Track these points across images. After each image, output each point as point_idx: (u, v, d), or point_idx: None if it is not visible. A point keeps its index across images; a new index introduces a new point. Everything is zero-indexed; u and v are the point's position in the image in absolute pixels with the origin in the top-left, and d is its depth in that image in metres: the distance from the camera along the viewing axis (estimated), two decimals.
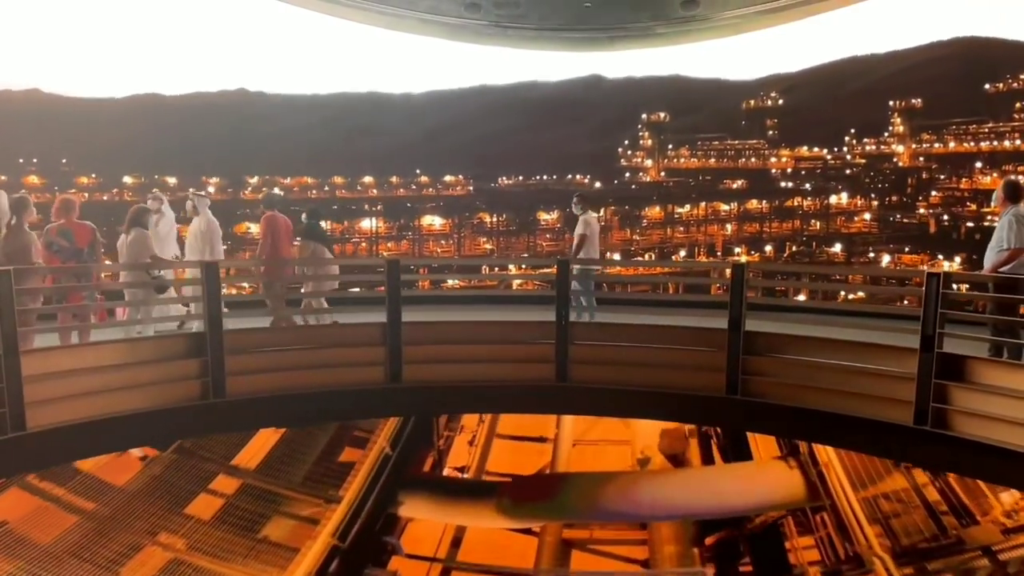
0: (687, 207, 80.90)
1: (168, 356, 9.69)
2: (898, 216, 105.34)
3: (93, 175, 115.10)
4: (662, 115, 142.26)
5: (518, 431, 24.96)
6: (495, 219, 72.65)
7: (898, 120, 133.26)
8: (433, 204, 74.38)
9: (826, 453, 20.18)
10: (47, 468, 14.06)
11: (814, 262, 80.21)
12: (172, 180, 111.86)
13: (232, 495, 19.69)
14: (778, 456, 21.45)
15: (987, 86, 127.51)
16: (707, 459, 22.98)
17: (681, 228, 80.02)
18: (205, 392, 9.65)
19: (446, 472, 23.65)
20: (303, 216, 12.11)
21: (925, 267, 74.48)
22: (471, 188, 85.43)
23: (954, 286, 8.94)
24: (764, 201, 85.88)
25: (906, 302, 13.74)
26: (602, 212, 76.99)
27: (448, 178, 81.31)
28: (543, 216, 74.75)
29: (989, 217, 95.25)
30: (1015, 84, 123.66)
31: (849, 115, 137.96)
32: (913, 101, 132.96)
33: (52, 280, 9.90)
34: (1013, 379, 8.45)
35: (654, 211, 79.29)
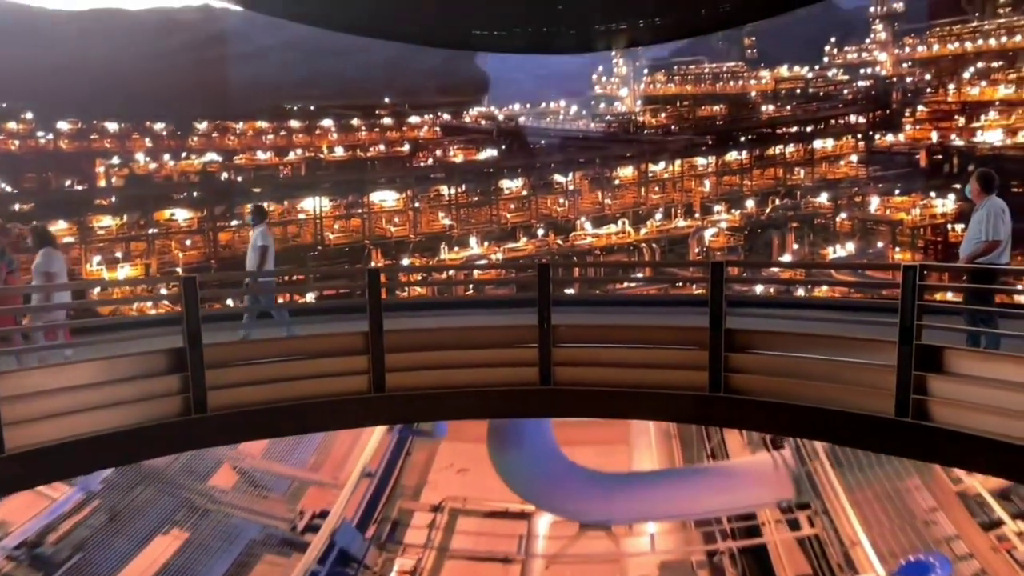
0: (662, 164, 79.58)
1: (148, 373, 10.06)
2: (885, 137, 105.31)
3: (28, 116, 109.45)
4: None
5: (477, 545, 22.65)
6: (454, 191, 69.66)
7: (879, 26, 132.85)
8: (385, 179, 70.37)
9: None
10: (27, 489, 14.40)
11: (800, 216, 79.48)
12: (112, 126, 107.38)
13: None
14: None
15: None
16: None
17: (656, 188, 78.95)
18: (186, 408, 10.06)
19: None
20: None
21: (917, 205, 74.27)
22: (438, 129, 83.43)
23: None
24: (744, 152, 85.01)
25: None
26: (571, 176, 74.80)
27: (414, 119, 79.11)
28: (506, 184, 72.19)
29: (980, 134, 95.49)
30: None
31: (828, 25, 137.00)
32: (894, 5, 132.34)
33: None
34: (991, 368, 9.04)
35: (627, 171, 77.95)
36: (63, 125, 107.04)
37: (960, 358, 9.29)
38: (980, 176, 9.98)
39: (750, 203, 79.58)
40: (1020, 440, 8.46)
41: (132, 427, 9.84)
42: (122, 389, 9.89)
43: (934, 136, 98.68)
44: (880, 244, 73.32)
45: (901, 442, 9.66)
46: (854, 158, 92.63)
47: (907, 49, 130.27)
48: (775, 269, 41.44)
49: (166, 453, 10.52)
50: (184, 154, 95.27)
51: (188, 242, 65.08)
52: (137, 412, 9.90)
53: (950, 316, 10.06)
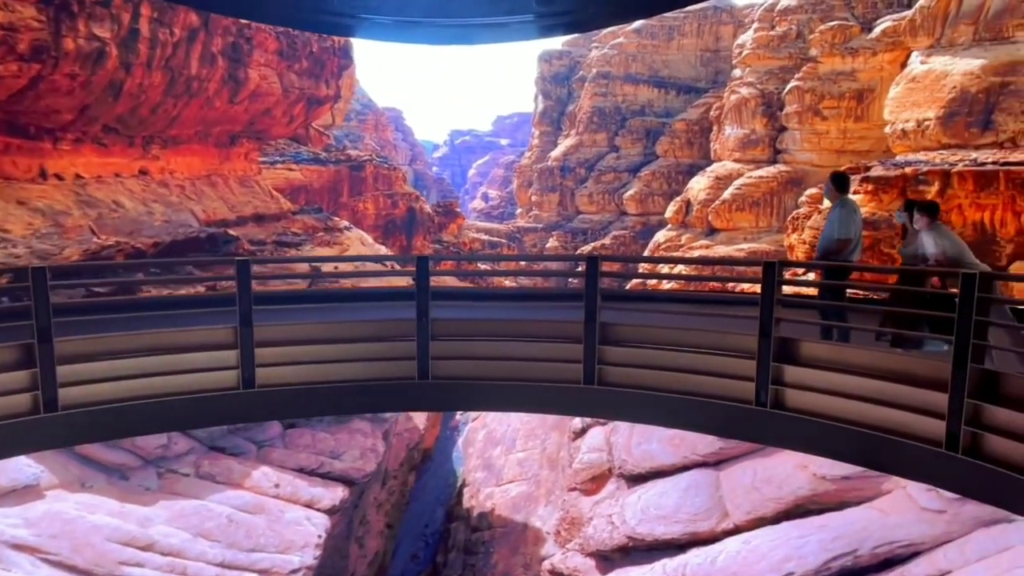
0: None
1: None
2: None
3: None
4: None
5: None
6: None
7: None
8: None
9: None
10: None
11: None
12: None
13: None
14: None
15: None
16: None
17: None
18: (35, 406, 9.58)
19: None
20: None
21: None
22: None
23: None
24: None
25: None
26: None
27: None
28: None
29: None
30: None
31: None
32: None
33: None
34: (841, 358, 9.90)
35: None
36: None
37: (814, 349, 10.10)
38: (834, 178, 10.91)
39: None
40: (870, 425, 9.31)
41: None
42: None
43: None
44: None
45: (759, 429, 10.42)
46: None
47: None
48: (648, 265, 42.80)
49: (11, 455, 9.91)
50: None
51: None
52: None
53: (805, 311, 10.95)
